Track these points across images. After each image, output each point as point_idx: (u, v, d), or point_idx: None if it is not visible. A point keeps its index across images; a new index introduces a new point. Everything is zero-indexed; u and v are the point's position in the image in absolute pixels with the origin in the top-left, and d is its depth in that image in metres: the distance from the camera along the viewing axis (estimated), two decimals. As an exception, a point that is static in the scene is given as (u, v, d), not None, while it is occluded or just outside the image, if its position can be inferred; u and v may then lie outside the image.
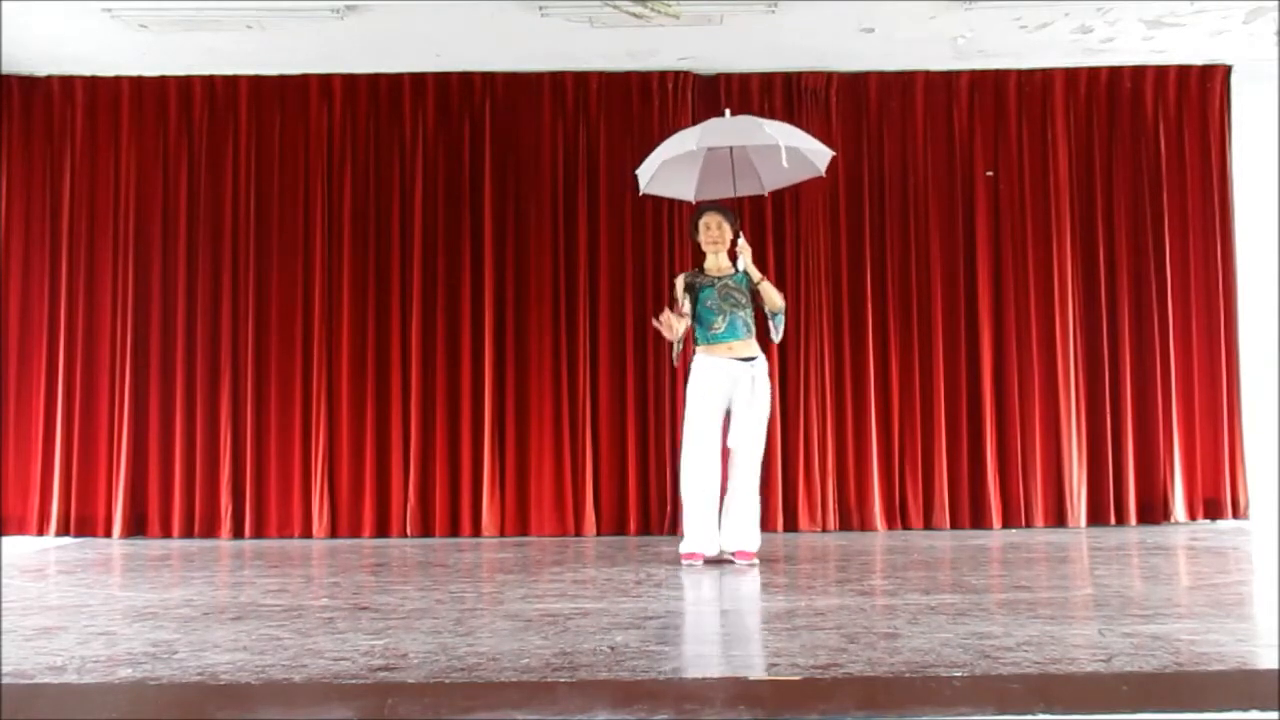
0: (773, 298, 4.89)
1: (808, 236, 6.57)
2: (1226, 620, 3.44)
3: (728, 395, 4.82)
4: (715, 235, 4.93)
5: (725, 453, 4.87)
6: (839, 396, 6.57)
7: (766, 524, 5.08)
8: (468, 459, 6.50)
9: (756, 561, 4.88)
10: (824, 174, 5.03)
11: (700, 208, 5.04)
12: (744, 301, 4.87)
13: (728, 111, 5.08)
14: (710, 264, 4.98)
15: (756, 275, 4.86)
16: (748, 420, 4.81)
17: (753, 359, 4.85)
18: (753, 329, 4.90)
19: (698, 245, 5.07)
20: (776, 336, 5.05)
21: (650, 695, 2.60)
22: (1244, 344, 6.66)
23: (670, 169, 4.93)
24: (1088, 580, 4.51)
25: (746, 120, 4.98)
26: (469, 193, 6.63)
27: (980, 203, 6.69)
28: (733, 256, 4.93)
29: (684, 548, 4.91)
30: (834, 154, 4.94)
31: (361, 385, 6.54)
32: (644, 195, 5.16)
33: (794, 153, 4.76)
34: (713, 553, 4.87)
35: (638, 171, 5.05)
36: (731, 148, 4.92)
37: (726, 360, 4.81)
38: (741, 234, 4.91)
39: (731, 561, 4.89)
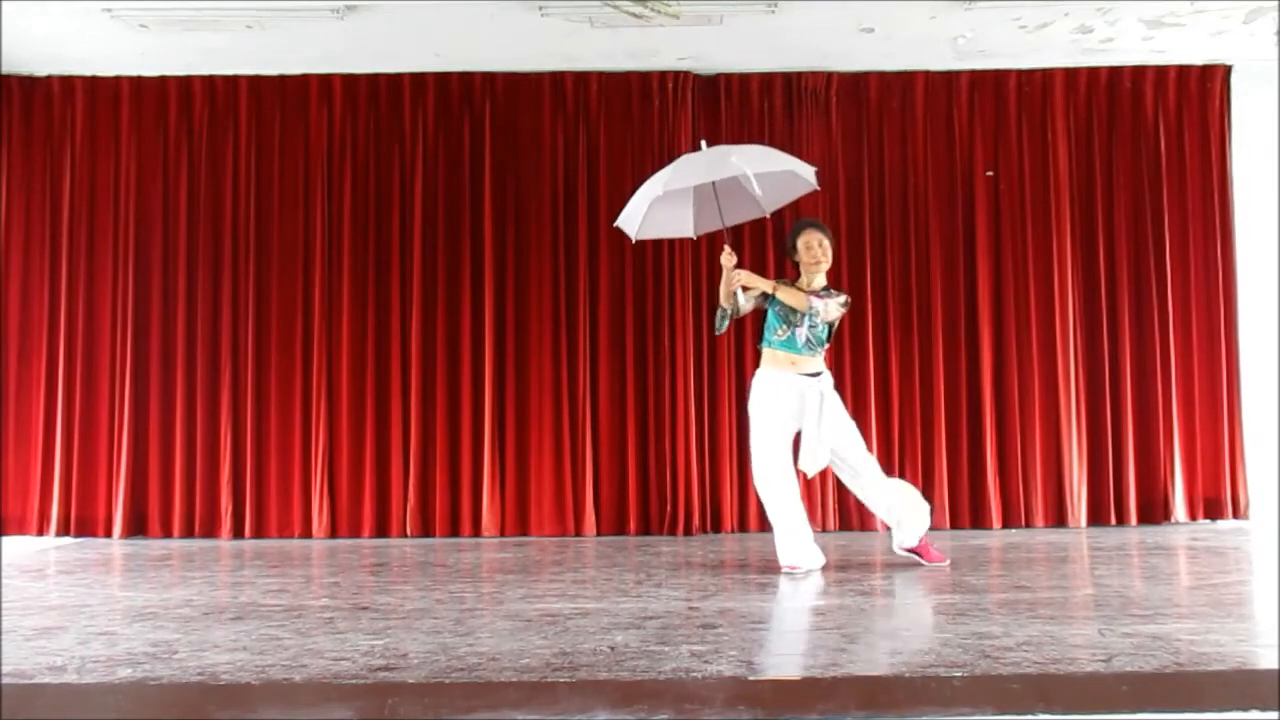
0: (793, 302, 4.61)
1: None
2: (1226, 620, 3.44)
3: (795, 414, 4.61)
4: (817, 255, 4.68)
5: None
6: (839, 396, 6.55)
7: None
8: (468, 459, 6.49)
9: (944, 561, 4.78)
10: (818, 188, 4.79)
11: (799, 224, 4.83)
12: (802, 321, 4.62)
13: (704, 143, 4.80)
14: (803, 283, 4.71)
15: (768, 286, 4.62)
16: (821, 442, 4.57)
17: (818, 374, 4.66)
18: (815, 348, 4.66)
19: (795, 265, 4.78)
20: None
21: (650, 695, 2.60)
22: (1244, 343, 6.65)
23: (658, 212, 4.66)
24: (1088, 580, 4.51)
25: (716, 153, 4.69)
26: (469, 193, 6.63)
27: (980, 203, 6.69)
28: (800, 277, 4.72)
29: (785, 560, 4.62)
30: (815, 169, 4.68)
31: (361, 385, 6.54)
32: (639, 241, 5.00)
33: (775, 174, 4.59)
34: (818, 565, 4.64)
35: (619, 224, 4.82)
36: (714, 182, 4.66)
37: (792, 375, 4.62)
38: (737, 269, 4.59)
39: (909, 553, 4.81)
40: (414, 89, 6.67)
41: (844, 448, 4.69)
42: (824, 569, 4.64)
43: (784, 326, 4.65)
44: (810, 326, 4.64)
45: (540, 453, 6.50)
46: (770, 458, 4.64)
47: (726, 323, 4.75)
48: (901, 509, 4.77)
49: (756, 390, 4.71)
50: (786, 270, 4.99)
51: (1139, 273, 6.68)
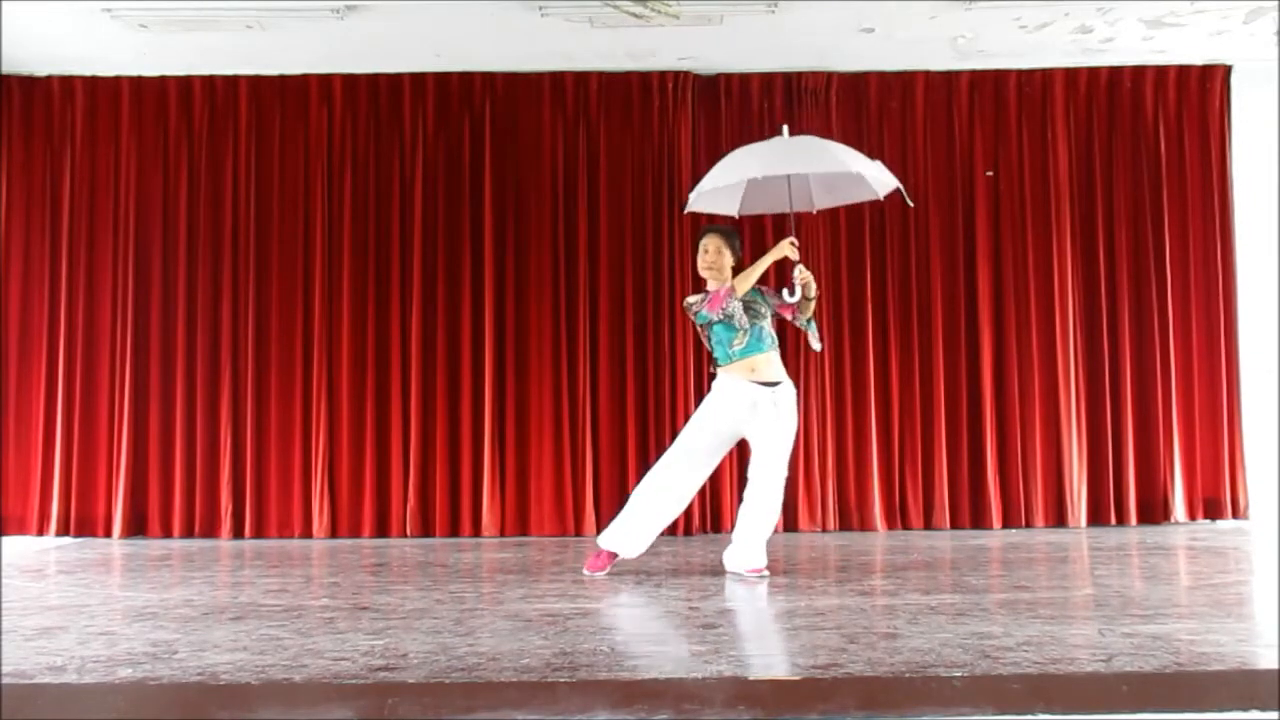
0: (811, 308, 4.63)
1: (807, 236, 6.55)
2: (1226, 620, 3.45)
3: (741, 424, 4.54)
4: (711, 260, 4.62)
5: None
6: (839, 396, 6.57)
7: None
8: (468, 459, 6.49)
9: (767, 574, 4.51)
10: (881, 199, 4.83)
11: (703, 229, 4.79)
12: (764, 311, 4.60)
13: (785, 130, 4.78)
14: (712, 288, 4.59)
15: (814, 291, 4.58)
16: (766, 448, 4.53)
17: (777, 384, 4.53)
18: (776, 341, 4.62)
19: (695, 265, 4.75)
20: (818, 345, 4.75)
21: (650, 695, 2.60)
22: (1244, 344, 6.65)
23: (724, 189, 4.69)
24: (1088, 580, 4.52)
25: (816, 143, 4.74)
26: (469, 193, 6.63)
27: (980, 203, 6.69)
28: (788, 283, 4.57)
29: (605, 542, 4.62)
30: (895, 186, 4.68)
31: (361, 385, 6.54)
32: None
33: (847, 177, 4.64)
34: (630, 556, 4.62)
35: (694, 194, 4.76)
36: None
37: (747, 384, 4.49)
38: (800, 264, 4.53)
39: (741, 575, 4.53)
40: (414, 89, 6.67)
41: (762, 450, 4.56)
42: (629, 567, 4.55)
43: (740, 332, 4.52)
44: (767, 319, 4.59)
45: (540, 453, 6.50)
46: (683, 460, 4.58)
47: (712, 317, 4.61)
48: (755, 537, 4.59)
49: (710, 394, 4.64)
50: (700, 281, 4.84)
51: (1139, 273, 6.68)
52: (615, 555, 4.63)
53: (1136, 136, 6.72)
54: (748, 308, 4.56)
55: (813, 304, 4.63)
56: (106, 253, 6.62)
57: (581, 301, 6.56)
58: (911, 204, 4.94)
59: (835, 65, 6.63)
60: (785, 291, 4.57)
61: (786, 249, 4.50)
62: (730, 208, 4.91)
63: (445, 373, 6.54)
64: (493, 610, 3.78)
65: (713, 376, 4.68)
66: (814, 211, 4.95)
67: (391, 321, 6.57)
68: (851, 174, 4.59)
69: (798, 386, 4.78)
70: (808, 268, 4.60)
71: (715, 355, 4.62)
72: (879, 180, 4.70)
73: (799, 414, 4.77)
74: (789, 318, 4.70)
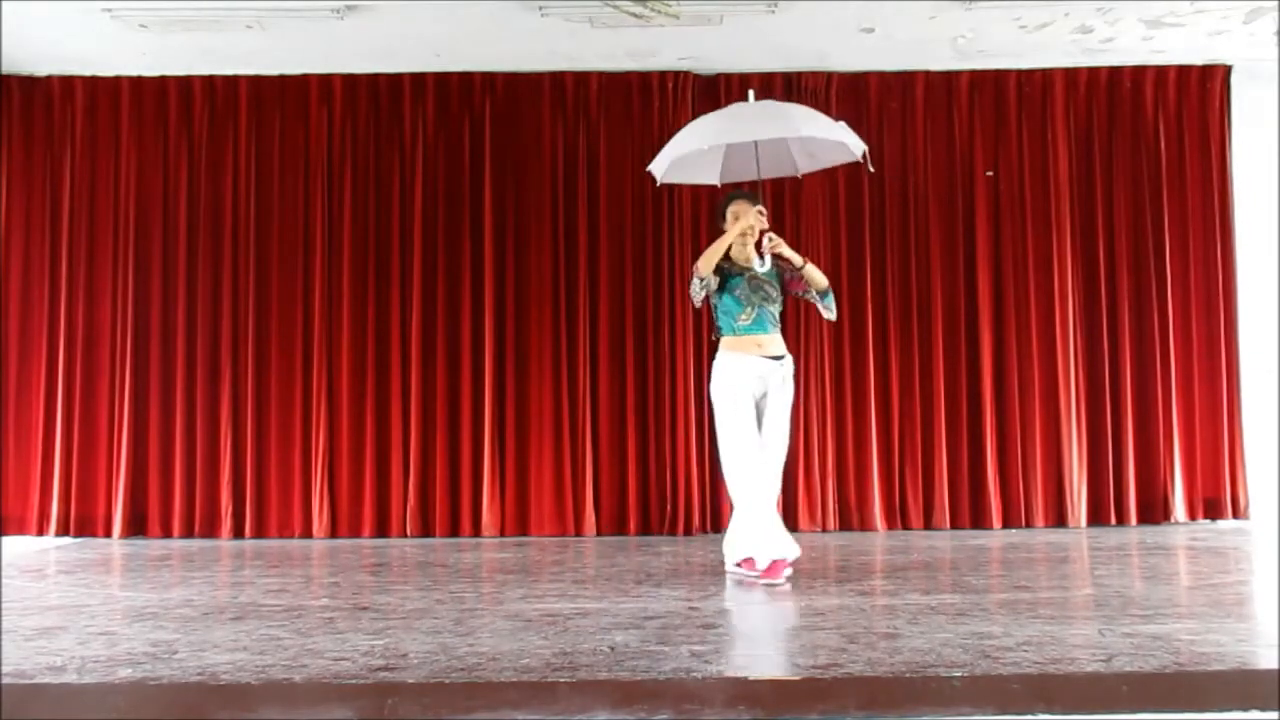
0: (818, 279, 4.58)
1: (807, 236, 6.56)
2: (1226, 620, 3.45)
3: (757, 395, 4.49)
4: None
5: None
6: (839, 396, 6.57)
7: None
8: (468, 459, 6.49)
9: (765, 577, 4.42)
10: (860, 160, 4.66)
11: (728, 195, 4.71)
12: (774, 295, 4.56)
13: (751, 95, 4.71)
14: (738, 254, 4.55)
15: (799, 260, 4.51)
16: (769, 421, 4.50)
17: (781, 358, 4.53)
18: (780, 324, 4.60)
19: (722, 233, 4.62)
20: (832, 315, 4.68)
21: (650, 695, 2.60)
22: (1244, 344, 6.65)
23: (691, 158, 4.60)
24: (1088, 580, 4.52)
25: (775, 107, 4.64)
26: (469, 193, 6.63)
27: (980, 203, 6.69)
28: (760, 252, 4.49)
29: (764, 558, 4.36)
30: (864, 147, 4.52)
31: (361, 385, 6.54)
32: (659, 187, 4.84)
33: (822, 140, 4.52)
34: (793, 555, 4.41)
35: (651, 167, 4.71)
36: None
37: (754, 358, 4.48)
38: (769, 232, 4.44)
39: (741, 574, 4.50)
40: (414, 89, 6.67)
41: (765, 423, 4.50)
42: (796, 564, 4.45)
43: (748, 309, 4.50)
44: (775, 303, 4.54)
45: (540, 453, 6.50)
46: (739, 446, 4.46)
47: (704, 294, 4.55)
48: (737, 529, 4.52)
49: (716, 374, 4.57)
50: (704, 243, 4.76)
51: (1139, 273, 6.68)
52: (783, 560, 4.39)
53: (1136, 136, 6.73)
54: (757, 288, 4.53)
55: (809, 269, 4.53)
56: (106, 253, 6.62)
57: (581, 301, 6.56)
58: (871, 170, 4.79)
59: (835, 65, 6.63)
60: (756, 261, 4.49)
61: (753, 218, 4.44)
62: (711, 177, 4.85)
63: (445, 372, 6.55)
64: (493, 610, 3.78)
65: (714, 345, 4.65)
66: (799, 175, 4.88)
67: (391, 321, 6.57)
68: (805, 138, 4.49)
69: (797, 385, 4.72)
70: (804, 256, 4.55)
71: (719, 325, 4.60)
72: (845, 140, 4.54)
73: (798, 388, 4.71)
74: (800, 294, 4.65)
